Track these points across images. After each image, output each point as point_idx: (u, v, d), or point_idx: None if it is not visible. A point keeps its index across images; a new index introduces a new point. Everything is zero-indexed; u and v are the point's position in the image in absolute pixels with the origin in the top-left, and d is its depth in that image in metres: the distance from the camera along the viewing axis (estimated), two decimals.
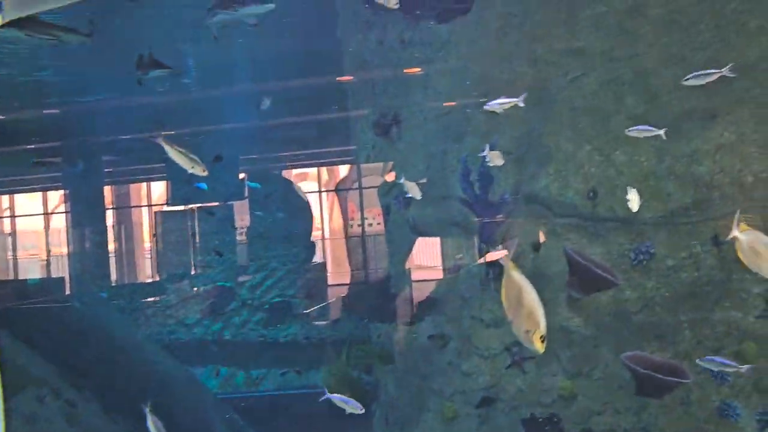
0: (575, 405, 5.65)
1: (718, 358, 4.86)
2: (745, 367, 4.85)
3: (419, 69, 6.80)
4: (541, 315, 3.41)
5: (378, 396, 7.01)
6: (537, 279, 5.89)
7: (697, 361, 4.83)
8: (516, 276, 3.47)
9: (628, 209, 5.66)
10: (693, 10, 5.61)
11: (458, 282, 6.29)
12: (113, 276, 13.38)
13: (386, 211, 7.12)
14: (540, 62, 6.03)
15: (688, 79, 4.93)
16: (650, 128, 5.18)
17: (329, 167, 12.86)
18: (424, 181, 6.19)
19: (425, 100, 6.56)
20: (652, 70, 5.70)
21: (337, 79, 8.10)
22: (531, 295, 3.43)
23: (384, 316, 6.81)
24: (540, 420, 5.75)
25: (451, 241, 6.44)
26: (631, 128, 5.20)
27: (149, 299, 12.34)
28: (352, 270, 8.61)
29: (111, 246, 13.15)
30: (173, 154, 4.84)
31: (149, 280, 13.61)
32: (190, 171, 4.91)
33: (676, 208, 5.63)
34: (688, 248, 5.59)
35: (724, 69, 4.84)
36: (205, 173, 4.96)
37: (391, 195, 6.86)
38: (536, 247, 5.91)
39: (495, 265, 6.07)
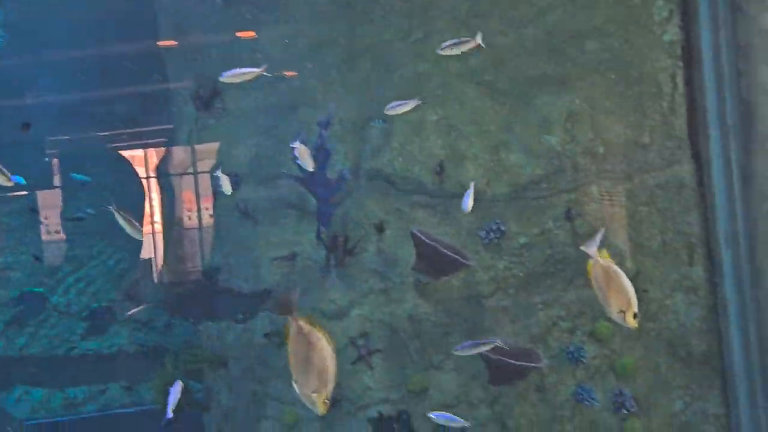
0: (426, 400, 5.77)
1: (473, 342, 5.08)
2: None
3: (247, 32, 6.67)
4: (332, 376, 3.50)
5: (209, 406, 6.88)
6: (382, 263, 6.03)
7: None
8: (306, 331, 3.55)
9: (477, 184, 5.84)
10: None
11: (295, 271, 6.26)
12: None
13: (215, 195, 6.97)
14: (380, 22, 6.07)
15: (443, 48, 5.11)
16: (407, 102, 5.36)
17: (157, 149, 12.42)
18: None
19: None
20: (498, 32, 5.87)
21: (157, 44, 7.84)
22: (322, 353, 3.51)
23: (213, 314, 6.68)
24: (388, 419, 5.84)
25: (288, 226, 6.39)
26: (388, 107, 5.37)
27: None
28: (179, 265, 8.38)
29: None
30: None
31: None
32: None
33: (527, 182, 5.86)
34: (540, 224, 5.84)
35: (477, 37, 5.05)
36: (10, 184, 4.68)
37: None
38: (380, 228, 5.97)
39: (337, 250, 6.09)
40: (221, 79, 5.36)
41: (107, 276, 10.99)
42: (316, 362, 3.53)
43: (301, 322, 3.59)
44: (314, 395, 3.53)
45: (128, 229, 5.46)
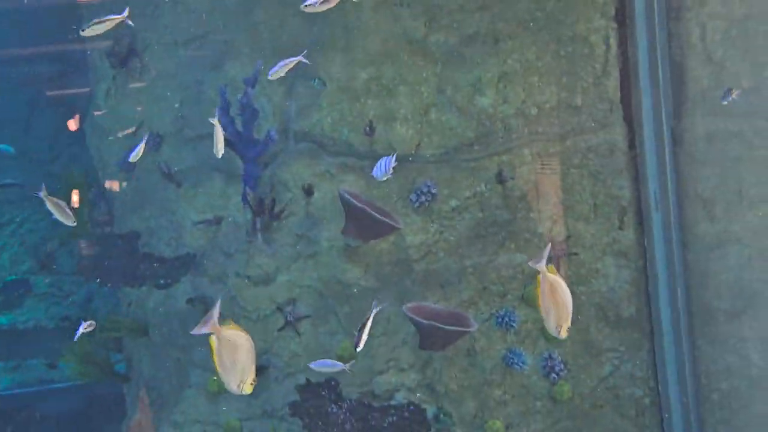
0: (356, 366, 5.80)
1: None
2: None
3: None
4: (253, 367, 3.92)
5: (129, 376, 6.81)
6: (310, 227, 6.03)
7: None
8: (231, 337, 3.87)
9: (408, 145, 5.88)
10: None
11: (220, 235, 6.22)
12: None
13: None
14: None
15: (306, 5, 5.05)
16: (290, 59, 5.35)
17: (76, 109, 12.11)
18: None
19: (175, 21, 6.34)
20: None
21: None
22: (247, 350, 3.90)
23: (133, 280, 6.59)
24: (316, 385, 5.87)
25: (213, 188, 6.33)
26: (272, 70, 5.35)
27: None
28: (96, 230, 8.24)
29: None
30: None
31: None
32: None
33: (459, 144, 5.91)
34: (472, 187, 5.91)
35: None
36: None
37: (140, 136, 6.61)
38: (308, 191, 5.96)
39: (264, 213, 6.06)
40: (82, 32, 5.11)
41: (22, 246, 10.74)
42: (241, 359, 3.86)
43: (225, 333, 3.82)
44: (242, 384, 3.92)
45: (59, 215, 5.38)
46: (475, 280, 5.91)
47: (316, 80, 5.93)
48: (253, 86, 5.91)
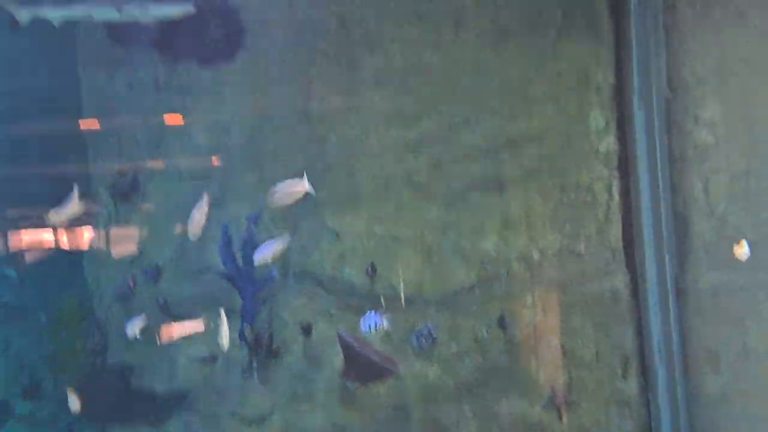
0: None
1: None
2: None
3: (176, 117, 6.74)
4: None
5: None
6: (308, 366, 6.01)
7: None
8: None
9: (410, 288, 5.93)
10: (477, 73, 6.06)
11: (215, 372, 6.19)
12: None
13: (133, 286, 6.87)
14: (315, 120, 6.21)
15: (273, 201, 5.40)
16: (279, 243, 5.69)
17: (74, 234, 12.15)
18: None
19: (181, 155, 6.50)
20: (436, 135, 6.06)
21: (80, 127, 7.82)
22: None
23: (122, 417, 6.50)
24: None
25: (211, 323, 6.33)
26: (257, 254, 5.72)
27: None
28: (87, 360, 8.17)
29: None
30: None
31: None
32: None
33: (461, 287, 5.97)
34: (473, 331, 5.93)
35: (303, 180, 5.34)
36: None
37: (136, 265, 6.67)
38: (306, 330, 5.98)
39: (260, 350, 6.06)
40: (47, 220, 5.64)
41: (5, 368, 10.60)
42: None
43: None
44: None
45: (71, 401, 6.12)
46: (475, 427, 5.86)
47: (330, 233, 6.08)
48: (255, 223, 6.03)
